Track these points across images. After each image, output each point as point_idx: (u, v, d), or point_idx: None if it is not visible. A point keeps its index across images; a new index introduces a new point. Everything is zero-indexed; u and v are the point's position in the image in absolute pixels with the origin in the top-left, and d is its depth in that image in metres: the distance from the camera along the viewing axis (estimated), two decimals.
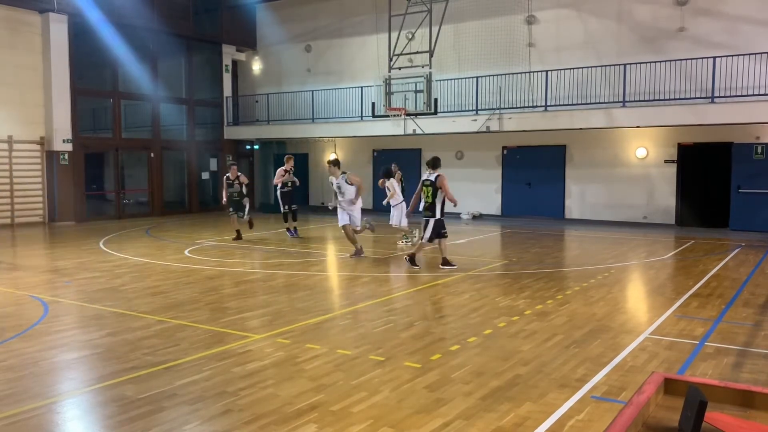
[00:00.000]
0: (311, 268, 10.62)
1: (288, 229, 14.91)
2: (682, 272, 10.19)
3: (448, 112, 18.49)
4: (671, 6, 16.61)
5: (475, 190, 20.17)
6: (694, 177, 16.98)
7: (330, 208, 12.59)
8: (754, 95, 14.70)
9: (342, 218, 11.68)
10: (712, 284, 9.03)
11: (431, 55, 17.39)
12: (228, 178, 14.30)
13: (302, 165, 24.15)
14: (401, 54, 17.88)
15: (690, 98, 15.45)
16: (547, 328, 6.64)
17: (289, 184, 14.79)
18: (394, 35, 17.94)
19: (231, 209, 14.30)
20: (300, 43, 23.35)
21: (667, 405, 1.94)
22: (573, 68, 17.09)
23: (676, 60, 15.72)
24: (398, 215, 13.22)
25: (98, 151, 20.61)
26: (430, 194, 10.29)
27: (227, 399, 4.59)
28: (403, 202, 13.14)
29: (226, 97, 23.81)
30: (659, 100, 15.96)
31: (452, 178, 20.52)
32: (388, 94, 17.51)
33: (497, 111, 17.60)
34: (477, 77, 18.28)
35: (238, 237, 14.11)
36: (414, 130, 18.72)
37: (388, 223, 13.58)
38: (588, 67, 16.92)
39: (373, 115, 18.04)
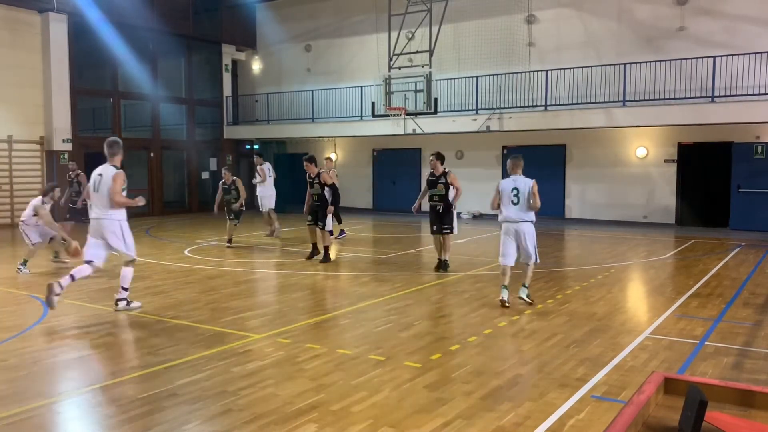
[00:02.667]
0: (311, 268, 10.62)
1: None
2: (682, 272, 10.19)
3: (448, 111, 18.49)
4: (671, 5, 16.61)
5: (475, 189, 20.11)
6: (694, 176, 16.98)
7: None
8: (754, 95, 14.71)
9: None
10: (712, 284, 9.03)
11: (431, 55, 17.40)
12: (309, 176, 11.71)
13: (302, 165, 24.15)
14: (401, 53, 17.89)
15: (690, 98, 15.45)
16: (547, 327, 6.64)
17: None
18: (394, 35, 17.94)
19: (309, 218, 11.56)
20: (300, 43, 23.35)
21: (667, 405, 1.94)
22: (573, 68, 17.09)
23: (676, 60, 15.72)
24: None
25: (98, 151, 20.51)
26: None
27: (227, 399, 4.59)
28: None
29: (226, 97, 23.82)
30: (659, 99, 15.96)
31: None
32: (388, 93, 17.52)
33: (497, 110, 17.60)
34: (477, 77, 18.27)
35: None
36: (414, 130, 18.72)
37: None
38: (588, 67, 16.92)
39: (373, 115, 18.05)
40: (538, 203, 7.60)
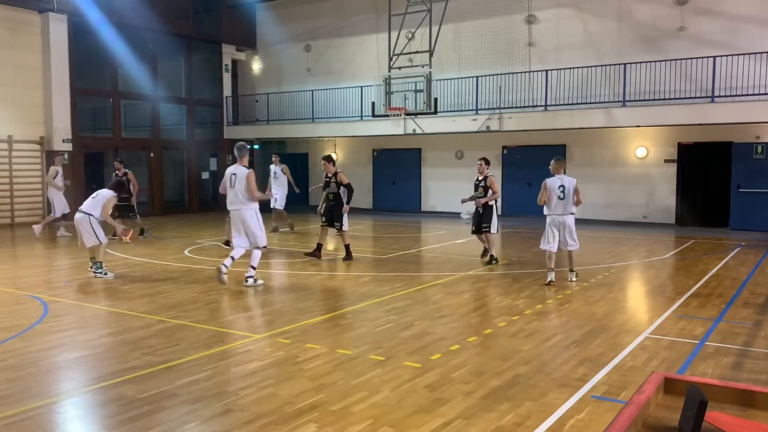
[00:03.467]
0: (311, 268, 10.62)
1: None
2: (682, 272, 10.19)
3: (448, 111, 18.49)
4: (671, 5, 16.61)
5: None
6: (694, 176, 16.98)
7: None
8: (754, 95, 14.71)
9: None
10: (712, 284, 9.03)
11: (431, 55, 17.39)
12: (326, 175, 11.41)
13: (302, 165, 24.20)
14: (401, 54, 17.88)
15: (690, 98, 15.45)
16: (547, 327, 6.64)
17: None
18: (394, 35, 17.94)
19: (324, 219, 11.40)
20: (300, 43, 23.35)
21: (667, 405, 1.94)
22: (573, 68, 17.09)
23: (676, 60, 15.72)
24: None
25: (98, 151, 20.61)
26: None
27: (227, 399, 4.59)
28: None
29: (226, 97, 23.82)
30: (659, 99, 15.97)
31: (452, 177, 20.71)
32: (388, 93, 17.52)
33: (497, 110, 17.60)
34: (477, 77, 18.27)
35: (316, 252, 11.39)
36: (414, 130, 18.72)
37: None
38: (588, 67, 16.92)
39: (373, 115, 18.04)
40: (581, 199, 8.96)
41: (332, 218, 11.21)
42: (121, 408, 4.44)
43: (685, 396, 1.78)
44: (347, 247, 11.30)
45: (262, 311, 7.41)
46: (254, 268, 8.87)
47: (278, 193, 15.33)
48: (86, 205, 9.55)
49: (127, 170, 14.43)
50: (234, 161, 9.01)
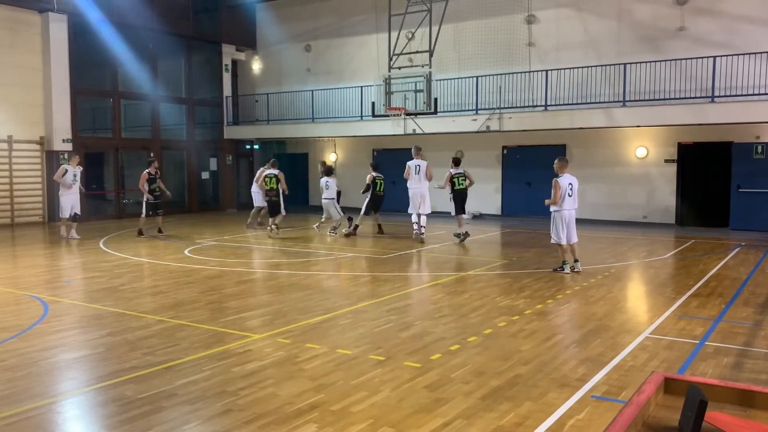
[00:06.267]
0: (311, 268, 10.62)
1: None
2: (682, 272, 10.19)
3: (448, 111, 18.49)
4: (671, 5, 16.60)
5: (475, 189, 20.01)
6: (694, 176, 16.98)
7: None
8: (754, 95, 14.71)
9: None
10: (712, 284, 9.03)
11: (431, 55, 17.39)
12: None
13: (302, 165, 24.20)
14: (401, 53, 17.88)
15: (690, 98, 15.45)
16: (547, 327, 6.64)
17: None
18: (394, 35, 17.93)
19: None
20: (300, 43, 23.35)
21: (667, 404, 1.94)
22: (573, 68, 17.09)
23: (676, 59, 15.72)
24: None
25: (98, 151, 20.61)
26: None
27: (227, 399, 4.59)
28: None
29: (226, 97, 23.81)
30: (659, 99, 15.97)
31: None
32: (388, 93, 17.51)
33: (497, 110, 17.60)
34: (477, 77, 18.27)
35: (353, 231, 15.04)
36: (414, 130, 18.71)
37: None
38: (588, 67, 16.92)
39: (373, 115, 18.04)
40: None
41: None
42: (120, 408, 4.44)
43: (685, 396, 1.78)
44: (355, 224, 14.90)
45: (262, 311, 7.41)
46: (424, 227, 13.49)
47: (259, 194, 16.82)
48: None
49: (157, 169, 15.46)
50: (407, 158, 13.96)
